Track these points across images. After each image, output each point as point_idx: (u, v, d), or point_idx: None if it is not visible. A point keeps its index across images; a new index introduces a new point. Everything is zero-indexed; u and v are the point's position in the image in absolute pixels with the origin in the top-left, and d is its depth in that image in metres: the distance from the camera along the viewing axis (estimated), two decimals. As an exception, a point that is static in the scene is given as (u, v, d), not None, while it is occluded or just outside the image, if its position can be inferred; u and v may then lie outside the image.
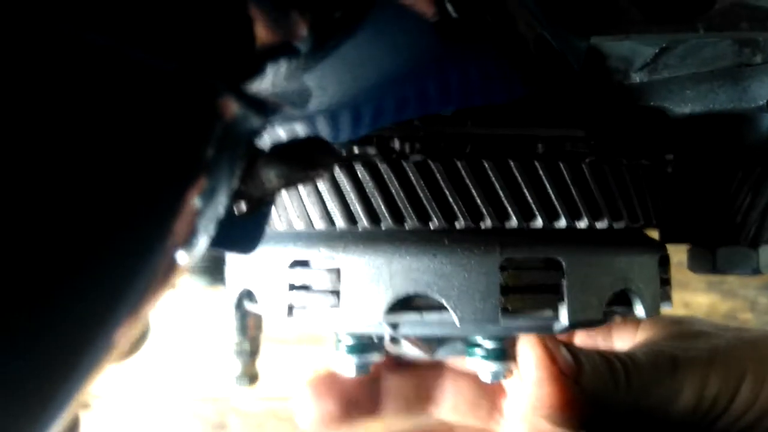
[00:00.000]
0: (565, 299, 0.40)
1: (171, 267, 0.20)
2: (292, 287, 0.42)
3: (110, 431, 1.24)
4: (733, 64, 0.40)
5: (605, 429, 0.48)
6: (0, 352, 0.15)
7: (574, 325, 0.41)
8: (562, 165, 0.41)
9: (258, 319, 0.71)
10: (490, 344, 0.45)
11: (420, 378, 0.65)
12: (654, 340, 0.54)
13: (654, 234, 0.52)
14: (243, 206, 0.27)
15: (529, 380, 0.46)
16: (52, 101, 0.15)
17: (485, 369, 0.45)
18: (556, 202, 0.41)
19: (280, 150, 0.23)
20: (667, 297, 0.48)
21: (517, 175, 0.40)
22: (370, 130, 0.35)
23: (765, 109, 0.41)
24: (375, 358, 0.47)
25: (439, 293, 0.39)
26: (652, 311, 0.44)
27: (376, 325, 0.40)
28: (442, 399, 0.65)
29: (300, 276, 0.42)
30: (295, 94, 0.25)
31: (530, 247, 0.40)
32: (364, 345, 0.46)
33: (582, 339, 0.61)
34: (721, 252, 0.45)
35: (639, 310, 0.44)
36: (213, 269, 0.69)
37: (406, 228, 0.40)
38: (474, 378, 0.63)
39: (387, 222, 0.40)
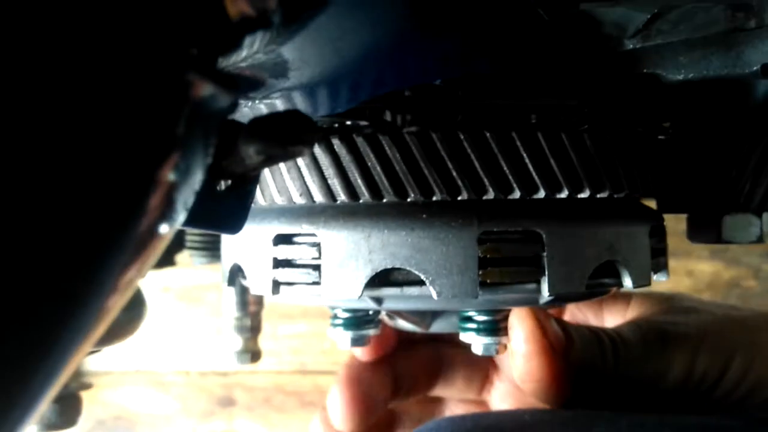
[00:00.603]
0: (546, 272, 0.40)
1: (152, 238, 0.20)
2: (277, 263, 0.43)
3: (116, 405, 1.26)
4: (727, 29, 0.39)
5: (593, 403, 0.49)
6: None
7: (556, 298, 0.41)
8: (539, 135, 0.40)
9: (258, 295, 0.72)
10: (482, 318, 0.45)
11: (425, 358, 0.65)
12: (644, 316, 0.54)
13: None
14: (225, 184, 0.27)
15: (519, 353, 0.46)
16: (16, 78, 0.15)
17: (478, 342, 0.45)
18: (533, 173, 0.40)
19: (259, 125, 0.23)
20: (661, 267, 0.48)
21: (493, 146, 0.40)
22: (349, 105, 0.34)
23: (759, 75, 0.40)
24: (371, 331, 0.47)
25: (417, 267, 0.39)
26: (642, 282, 0.44)
27: (357, 299, 0.40)
28: (439, 375, 0.66)
29: (283, 252, 0.42)
30: (271, 68, 0.25)
31: (508, 220, 0.40)
32: (359, 319, 0.47)
33: (572, 316, 0.61)
34: (727, 220, 0.44)
35: (627, 281, 0.43)
36: (212, 247, 0.69)
37: (385, 202, 0.40)
38: (467, 351, 0.63)
39: (365, 197, 0.40)
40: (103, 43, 0.17)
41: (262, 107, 0.33)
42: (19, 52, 0.15)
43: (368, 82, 0.30)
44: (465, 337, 0.45)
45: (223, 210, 0.28)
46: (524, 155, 0.40)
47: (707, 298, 0.73)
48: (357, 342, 0.46)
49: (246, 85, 0.25)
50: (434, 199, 0.40)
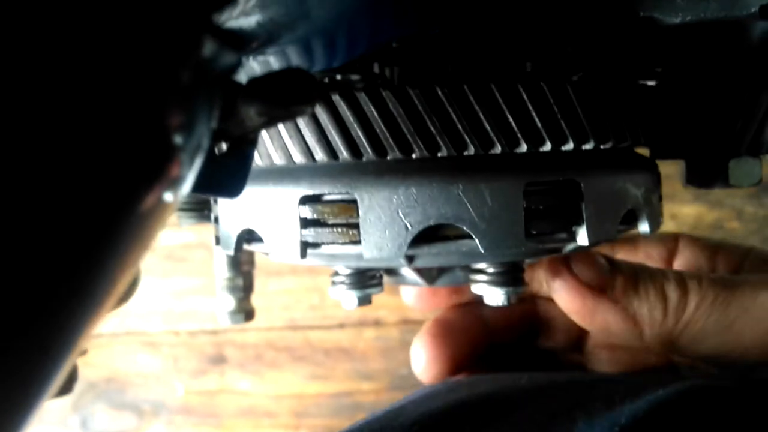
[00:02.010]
0: (584, 220, 0.41)
1: (159, 206, 0.19)
2: (306, 223, 0.41)
3: (107, 367, 1.26)
4: (726, -31, 0.38)
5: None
6: None
7: (593, 244, 0.42)
8: (568, 87, 0.41)
9: (250, 253, 0.71)
10: (492, 269, 0.45)
11: (518, 310, 0.64)
12: (724, 268, 0.54)
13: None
14: (224, 146, 0.26)
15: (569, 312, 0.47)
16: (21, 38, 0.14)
17: (490, 293, 0.45)
18: (563, 124, 0.40)
19: (259, 85, 0.22)
20: (661, 213, 0.48)
21: (525, 98, 0.40)
22: (346, 59, 0.33)
23: (757, 16, 0.40)
24: (375, 290, 0.47)
25: (465, 222, 0.39)
26: (655, 227, 0.45)
27: (399, 258, 0.40)
28: (538, 327, 0.65)
29: (312, 211, 0.41)
30: (268, 23, 0.24)
31: (549, 171, 0.40)
32: (364, 278, 0.46)
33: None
34: (733, 165, 0.44)
35: (644, 227, 0.44)
36: (200, 208, 0.68)
37: (424, 157, 0.39)
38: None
39: (416, 152, 0.39)
40: None
41: (254, 65, 0.31)
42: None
43: (365, 33, 0.29)
44: (476, 288, 0.45)
45: (222, 173, 0.27)
46: (554, 107, 0.40)
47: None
48: (363, 301, 0.46)
49: (245, 42, 0.24)
50: (465, 154, 0.39)
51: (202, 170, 0.25)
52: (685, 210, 1.15)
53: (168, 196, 0.19)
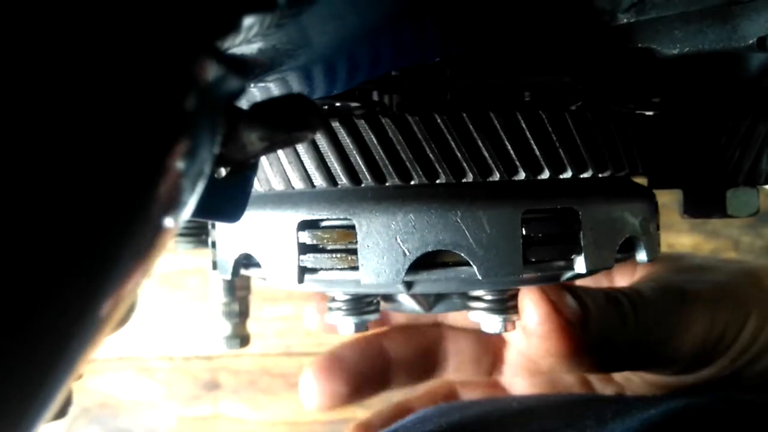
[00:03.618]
0: (582, 248, 0.41)
1: (159, 232, 0.19)
2: (304, 249, 0.41)
3: (101, 392, 1.25)
4: (722, 2, 0.39)
5: (613, 366, 0.48)
6: None
7: (591, 272, 0.42)
8: (567, 116, 0.41)
9: (246, 279, 0.71)
10: (490, 297, 0.44)
11: (424, 343, 0.64)
12: (657, 274, 0.54)
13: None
14: (224, 171, 0.26)
15: (535, 334, 0.46)
16: (19, 70, 0.14)
17: (487, 321, 0.45)
18: (562, 153, 0.41)
19: (261, 111, 0.22)
20: (659, 242, 0.48)
21: (523, 126, 0.40)
22: (346, 87, 0.33)
23: (755, 48, 0.40)
24: (372, 316, 0.47)
25: (462, 249, 0.39)
26: (653, 255, 0.45)
27: (397, 284, 0.40)
28: (445, 360, 0.64)
29: (311, 237, 0.41)
30: (271, 51, 0.24)
31: (547, 198, 0.40)
32: (361, 304, 0.46)
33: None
34: (730, 195, 0.44)
35: (641, 255, 0.44)
36: (197, 233, 0.68)
37: (425, 184, 0.39)
38: (474, 333, 0.62)
39: (415, 179, 0.39)
40: (109, 20, 0.16)
41: (255, 91, 0.32)
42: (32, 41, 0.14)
43: (366, 62, 0.29)
44: (473, 316, 0.45)
45: (222, 198, 0.27)
46: (552, 135, 0.40)
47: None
48: (360, 327, 0.46)
49: (248, 68, 0.24)
50: (464, 180, 0.39)
51: (203, 195, 0.25)
52: (682, 240, 1.15)
53: (168, 222, 0.19)
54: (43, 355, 0.16)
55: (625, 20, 0.40)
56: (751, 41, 0.40)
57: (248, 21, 0.19)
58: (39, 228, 0.15)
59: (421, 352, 0.63)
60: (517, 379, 0.63)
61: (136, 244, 0.17)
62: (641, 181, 0.51)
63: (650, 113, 0.51)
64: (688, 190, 0.49)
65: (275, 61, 0.24)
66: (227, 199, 0.27)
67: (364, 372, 0.61)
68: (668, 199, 0.55)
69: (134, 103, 0.16)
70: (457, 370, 0.64)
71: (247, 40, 0.21)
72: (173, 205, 0.18)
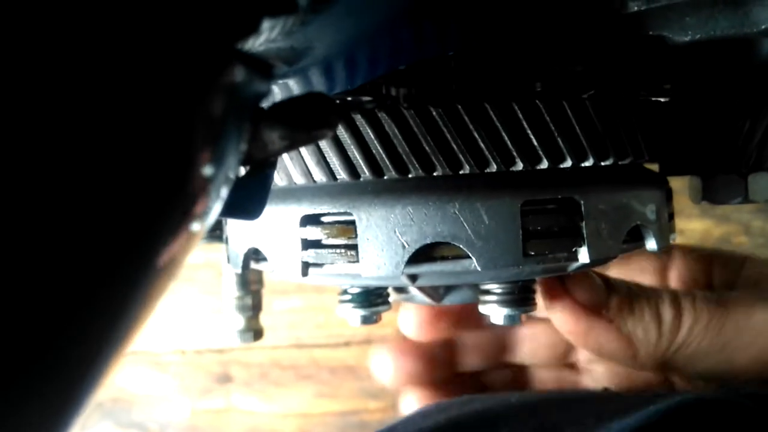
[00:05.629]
0: (585, 239, 0.40)
1: (187, 237, 0.19)
2: (307, 244, 0.42)
3: (114, 386, 1.26)
4: (735, -13, 0.39)
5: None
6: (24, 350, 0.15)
7: (596, 263, 0.42)
8: (565, 104, 0.40)
9: (258, 273, 0.71)
10: (500, 289, 0.44)
11: (495, 330, 0.64)
12: (712, 280, 0.54)
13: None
14: (245, 170, 0.26)
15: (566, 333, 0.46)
16: (41, 75, 0.14)
17: (498, 314, 0.45)
18: (560, 142, 0.40)
19: (281, 110, 0.22)
20: (673, 229, 0.48)
21: (520, 116, 0.39)
22: (366, 80, 0.34)
23: (767, 34, 0.40)
24: (382, 308, 0.47)
25: (462, 241, 0.39)
26: (664, 244, 0.44)
27: (397, 277, 0.40)
28: (519, 345, 0.65)
29: (313, 233, 0.41)
30: (290, 51, 0.24)
31: (547, 189, 0.40)
32: (371, 296, 0.46)
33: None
34: (751, 180, 0.44)
35: (651, 243, 0.44)
36: (211, 228, 0.68)
37: (421, 177, 0.39)
38: (549, 320, 0.62)
39: (412, 171, 0.39)
40: (134, 24, 0.16)
41: (275, 89, 0.32)
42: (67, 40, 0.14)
43: (385, 54, 0.29)
44: (484, 308, 0.45)
45: (242, 196, 0.27)
46: (550, 125, 0.40)
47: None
48: (368, 320, 0.46)
49: (272, 68, 0.24)
50: (461, 172, 0.39)
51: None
52: (692, 225, 1.15)
53: (196, 227, 0.19)
54: (88, 351, 0.16)
55: (636, 8, 0.40)
56: (763, 26, 0.40)
57: (270, 24, 0.19)
58: (73, 233, 0.16)
59: (491, 339, 0.64)
60: (596, 364, 0.64)
61: (166, 249, 0.18)
62: (654, 167, 0.51)
63: (662, 100, 0.51)
64: (706, 176, 0.49)
65: (294, 60, 0.25)
66: (247, 197, 0.27)
67: (436, 353, 0.62)
68: (678, 185, 0.55)
69: (163, 111, 0.16)
70: (533, 356, 0.65)
71: (269, 39, 0.21)
72: (202, 210, 0.18)
